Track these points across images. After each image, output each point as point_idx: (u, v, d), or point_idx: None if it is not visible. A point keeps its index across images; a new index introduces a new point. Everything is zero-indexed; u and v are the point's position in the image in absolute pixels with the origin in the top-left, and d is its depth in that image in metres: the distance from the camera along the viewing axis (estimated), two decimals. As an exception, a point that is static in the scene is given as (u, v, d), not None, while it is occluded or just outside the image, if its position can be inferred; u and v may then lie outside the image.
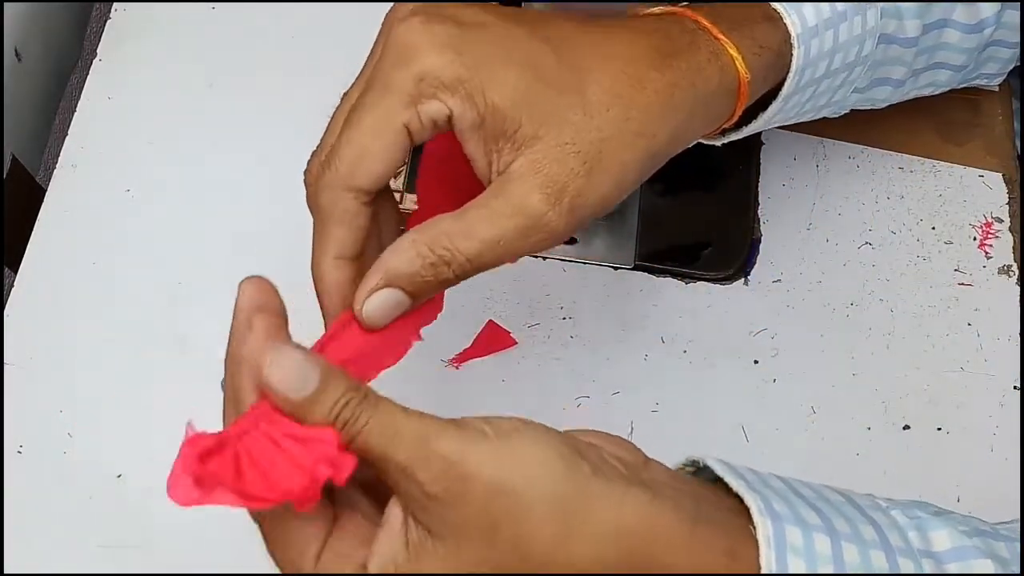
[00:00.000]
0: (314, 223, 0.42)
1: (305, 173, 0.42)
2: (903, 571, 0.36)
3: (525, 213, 0.39)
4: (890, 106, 0.58)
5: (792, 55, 0.46)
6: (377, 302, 0.40)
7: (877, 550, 0.37)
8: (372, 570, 0.35)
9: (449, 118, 0.40)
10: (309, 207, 0.42)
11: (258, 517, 0.36)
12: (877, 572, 0.36)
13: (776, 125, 0.51)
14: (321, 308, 0.42)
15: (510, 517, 0.34)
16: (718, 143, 0.50)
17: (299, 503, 0.34)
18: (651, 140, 0.41)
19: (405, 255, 0.39)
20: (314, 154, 0.42)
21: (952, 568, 0.38)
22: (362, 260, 0.42)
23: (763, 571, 0.35)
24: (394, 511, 0.35)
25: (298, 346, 0.36)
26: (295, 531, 0.36)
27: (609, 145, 0.40)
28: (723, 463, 0.37)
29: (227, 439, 0.35)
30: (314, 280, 0.42)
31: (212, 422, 0.56)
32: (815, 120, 0.53)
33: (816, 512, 0.37)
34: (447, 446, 0.34)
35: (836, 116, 0.56)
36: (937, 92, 0.58)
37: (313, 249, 0.42)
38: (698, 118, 0.44)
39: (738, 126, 0.48)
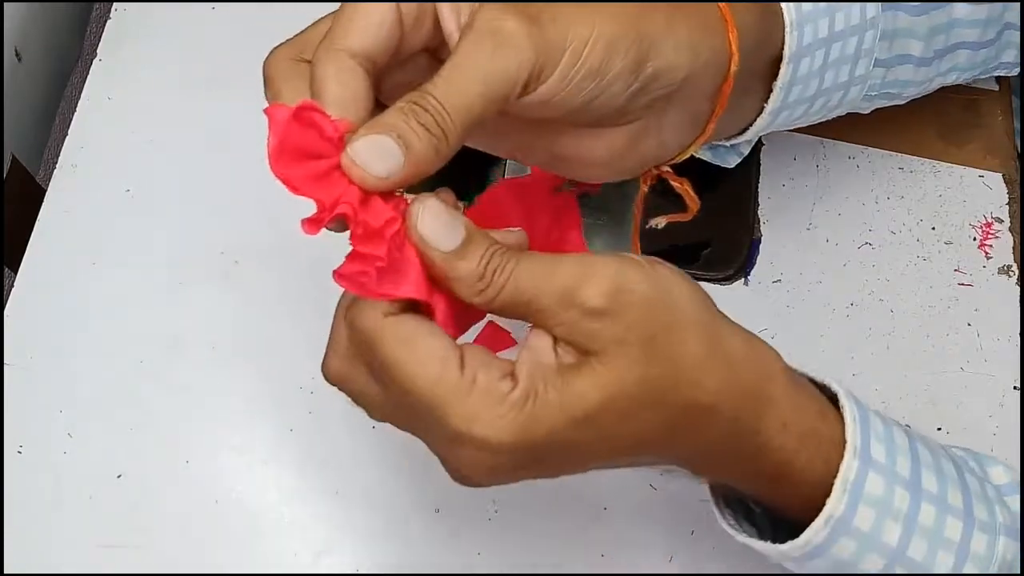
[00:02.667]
0: (311, 84, 0.38)
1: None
2: (971, 486, 0.41)
3: (495, 33, 0.36)
4: (890, 106, 0.58)
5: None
6: (366, 141, 0.35)
7: (947, 461, 0.41)
8: (521, 388, 0.35)
9: None
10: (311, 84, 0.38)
11: (382, 329, 0.36)
12: (948, 474, 0.40)
13: (803, 115, 0.49)
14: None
15: (667, 330, 0.36)
16: (746, 138, 0.49)
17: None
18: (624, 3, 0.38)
19: (394, 112, 0.36)
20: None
21: (1011, 501, 0.42)
22: None
23: (847, 439, 0.38)
24: (540, 338, 0.36)
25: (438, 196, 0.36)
26: (433, 337, 0.35)
27: None
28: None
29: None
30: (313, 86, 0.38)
31: (212, 422, 0.56)
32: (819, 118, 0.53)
33: (892, 424, 0.41)
34: (607, 266, 0.35)
35: (867, 105, 0.54)
36: (962, 79, 0.57)
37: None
38: (682, 17, 0.40)
39: (740, 132, 0.48)
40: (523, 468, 0.36)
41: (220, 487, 0.55)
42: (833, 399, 0.41)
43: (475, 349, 0.36)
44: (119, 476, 0.55)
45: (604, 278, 0.35)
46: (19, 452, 0.55)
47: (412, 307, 0.36)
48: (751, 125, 0.48)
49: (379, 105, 0.38)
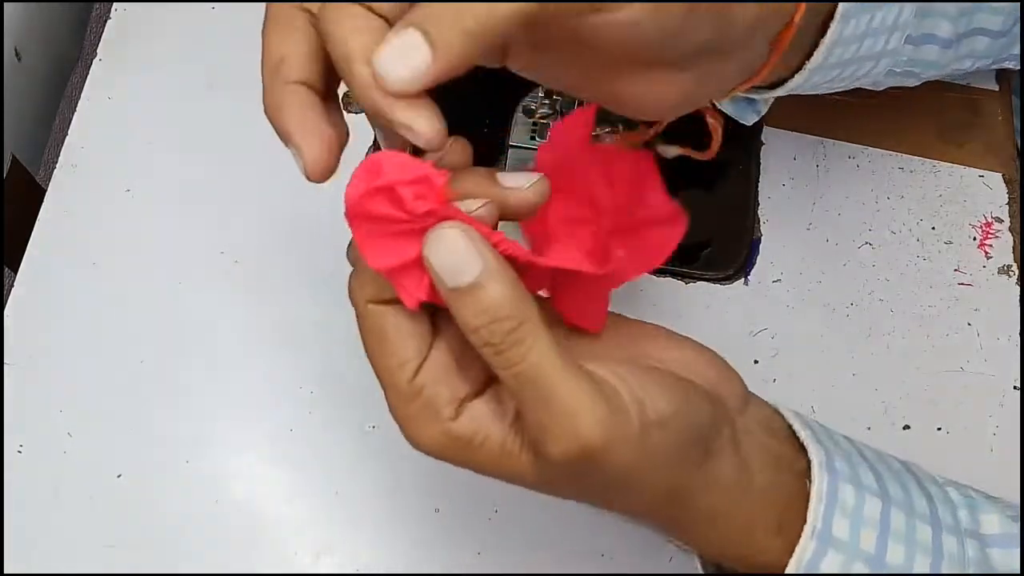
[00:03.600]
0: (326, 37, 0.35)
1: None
2: (945, 547, 0.39)
3: None
4: (892, 104, 0.58)
5: None
6: (390, 44, 0.32)
7: (924, 524, 0.39)
8: (459, 427, 0.36)
9: None
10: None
11: (364, 314, 0.36)
12: (920, 543, 0.38)
13: (831, 81, 0.49)
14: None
15: (619, 489, 0.36)
16: (778, 94, 0.48)
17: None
18: None
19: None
20: None
21: (995, 554, 0.39)
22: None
23: (808, 521, 0.37)
24: (508, 403, 0.36)
25: (467, 228, 0.34)
26: (401, 339, 0.36)
27: None
28: (795, 413, 0.41)
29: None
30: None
31: (212, 422, 0.56)
32: (816, 120, 0.53)
33: (874, 475, 0.39)
34: (592, 431, 0.33)
35: (888, 81, 0.54)
36: (976, 66, 0.57)
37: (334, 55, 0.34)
38: None
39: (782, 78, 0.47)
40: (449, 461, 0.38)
41: (220, 487, 0.55)
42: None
43: (440, 359, 0.36)
44: (119, 476, 0.55)
45: (580, 445, 0.33)
46: (19, 452, 0.55)
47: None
48: (787, 81, 0.48)
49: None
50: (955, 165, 0.64)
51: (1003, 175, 0.64)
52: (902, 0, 0.47)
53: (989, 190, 0.64)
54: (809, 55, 0.46)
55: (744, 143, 0.63)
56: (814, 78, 0.48)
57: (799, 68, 0.47)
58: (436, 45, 0.31)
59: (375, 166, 0.34)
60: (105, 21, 0.66)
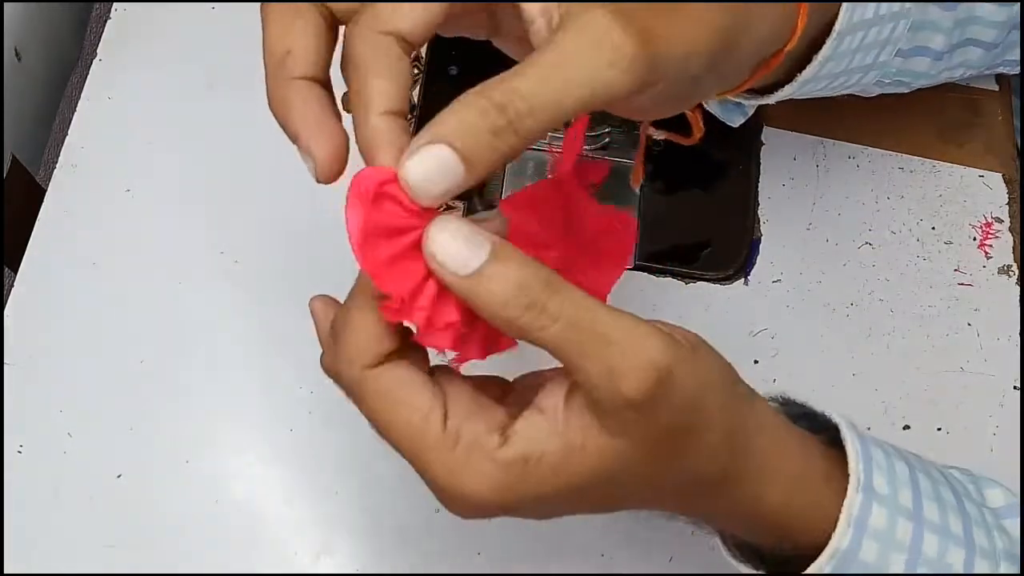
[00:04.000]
0: (350, 80, 0.34)
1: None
2: (968, 509, 0.41)
3: (599, 44, 0.32)
4: (892, 104, 0.58)
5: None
6: (421, 161, 0.32)
7: (946, 488, 0.41)
8: (511, 451, 0.33)
9: None
10: (343, 65, 0.35)
11: (363, 382, 0.34)
12: (947, 501, 0.40)
13: (820, 90, 0.50)
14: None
15: (691, 430, 0.35)
16: (767, 101, 0.49)
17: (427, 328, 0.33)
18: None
19: (463, 111, 0.32)
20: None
21: (1008, 525, 0.41)
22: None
23: (850, 472, 0.38)
24: (551, 398, 0.34)
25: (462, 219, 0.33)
26: (415, 391, 0.34)
27: None
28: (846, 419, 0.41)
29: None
30: (363, 143, 0.34)
31: (212, 422, 0.56)
32: (816, 120, 0.53)
33: (886, 448, 0.41)
34: (660, 355, 0.33)
35: (876, 89, 0.55)
36: (968, 75, 0.58)
37: (354, 109, 0.34)
38: (765, 15, 0.40)
39: (773, 88, 0.48)
40: (511, 512, 0.36)
41: (220, 487, 0.55)
42: (833, 427, 0.41)
43: (460, 396, 0.34)
44: (119, 476, 0.55)
45: (655, 373, 0.32)
46: (19, 452, 0.55)
47: (398, 351, 0.35)
48: (777, 91, 0.48)
49: None
50: (955, 165, 0.64)
51: (1003, 175, 0.64)
52: (895, 19, 0.48)
53: (989, 190, 0.64)
54: (801, 67, 0.46)
55: (744, 143, 0.63)
56: (805, 87, 0.48)
57: (789, 78, 0.47)
58: (468, 171, 0.32)
59: (366, 180, 0.33)
60: (105, 21, 0.66)
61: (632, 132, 0.55)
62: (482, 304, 0.32)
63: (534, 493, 0.34)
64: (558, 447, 0.33)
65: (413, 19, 0.34)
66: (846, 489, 0.38)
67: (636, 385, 0.32)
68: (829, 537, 0.38)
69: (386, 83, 0.34)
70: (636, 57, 0.33)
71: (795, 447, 0.39)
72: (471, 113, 0.31)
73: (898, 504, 0.39)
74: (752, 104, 0.51)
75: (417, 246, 0.33)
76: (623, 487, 0.35)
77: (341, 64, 0.35)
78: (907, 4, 0.47)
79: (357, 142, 0.34)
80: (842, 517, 0.38)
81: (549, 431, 0.34)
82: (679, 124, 0.50)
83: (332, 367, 0.35)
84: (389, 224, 0.33)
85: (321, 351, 0.37)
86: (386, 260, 0.33)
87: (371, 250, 0.33)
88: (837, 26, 0.45)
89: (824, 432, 0.41)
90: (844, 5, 0.44)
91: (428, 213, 0.33)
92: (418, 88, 0.63)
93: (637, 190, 0.56)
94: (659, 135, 0.47)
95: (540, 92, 0.32)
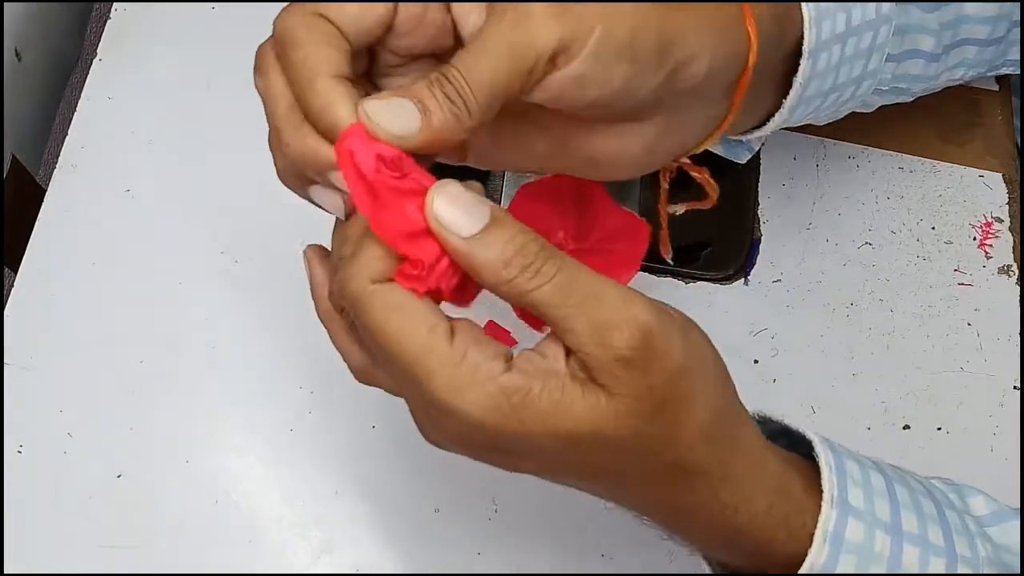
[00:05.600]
0: (288, 54, 0.36)
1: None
2: (949, 518, 0.40)
3: (520, 9, 0.35)
4: (892, 104, 0.58)
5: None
6: (383, 102, 0.34)
7: (927, 497, 0.41)
8: (513, 378, 0.34)
9: None
10: (277, 46, 0.36)
11: (370, 296, 0.34)
12: (928, 514, 0.40)
13: (815, 111, 0.49)
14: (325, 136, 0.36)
15: (682, 399, 0.35)
16: (763, 133, 0.49)
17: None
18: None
19: (417, 83, 0.35)
20: None
21: (993, 532, 0.41)
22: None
23: (823, 488, 0.38)
24: (554, 347, 0.35)
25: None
26: (423, 307, 0.34)
27: None
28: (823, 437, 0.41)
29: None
30: (316, 105, 0.35)
31: (212, 422, 0.56)
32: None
33: (861, 461, 0.41)
34: (648, 316, 0.34)
35: (877, 100, 0.54)
36: (968, 75, 0.57)
37: (298, 78, 0.35)
38: (704, 13, 0.40)
39: (757, 126, 0.48)
40: (491, 451, 0.36)
41: (220, 487, 0.55)
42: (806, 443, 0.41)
43: (466, 325, 0.35)
44: (119, 476, 0.55)
45: (643, 330, 0.34)
46: (19, 452, 0.55)
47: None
48: (768, 121, 0.48)
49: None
50: (955, 165, 0.64)
51: (1003, 175, 0.64)
52: (874, 27, 0.47)
53: (989, 190, 0.64)
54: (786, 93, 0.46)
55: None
56: (796, 112, 0.48)
57: (778, 106, 0.47)
58: (425, 122, 0.34)
59: (356, 138, 0.34)
60: (105, 21, 0.66)
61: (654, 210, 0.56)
62: (479, 265, 0.34)
63: (525, 430, 0.34)
64: (557, 386, 0.34)
65: (347, 13, 0.36)
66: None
67: (624, 340, 0.33)
68: (806, 553, 0.38)
69: (329, 50, 0.35)
70: (547, 11, 0.35)
71: (777, 461, 0.39)
72: (422, 83, 0.34)
73: (875, 517, 0.38)
74: (750, 139, 0.51)
75: (415, 196, 0.34)
76: (607, 449, 0.35)
77: (275, 46, 0.36)
78: (883, 10, 0.47)
79: (304, 109, 0.35)
80: (817, 533, 0.37)
81: (550, 371, 0.34)
82: (694, 191, 0.50)
83: (340, 278, 0.36)
84: (398, 187, 0.34)
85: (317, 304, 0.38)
86: (404, 233, 0.34)
87: (386, 221, 0.34)
88: (806, 45, 0.44)
89: (801, 446, 0.41)
90: (807, 23, 0.44)
91: (427, 178, 0.34)
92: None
93: (669, 259, 0.57)
94: (679, 209, 0.48)
95: (471, 66, 0.34)
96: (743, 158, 0.54)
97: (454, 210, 0.34)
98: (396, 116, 0.34)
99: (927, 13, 0.52)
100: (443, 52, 0.39)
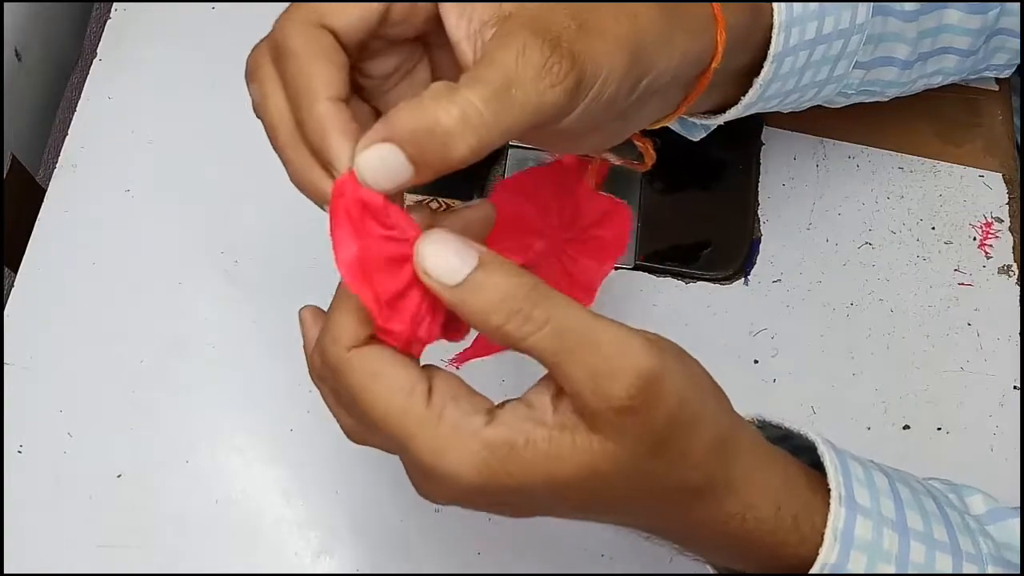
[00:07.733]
0: (286, 69, 0.36)
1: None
2: (951, 516, 0.40)
3: (525, 61, 0.33)
4: (892, 104, 0.58)
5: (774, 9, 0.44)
6: (375, 156, 0.33)
7: (927, 496, 0.41)
8: (497, 433, 0.33)
9: None
10: (275, 55, 0.36)
11: (346, 363, 0.34)
12: (930, 511, 0.40)
13: (775, 106, 0.50)
14: (325, 157, 0.36)
15: (683, 429, 0.34)
16: (717, 122, 0.49)
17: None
18: (635, 20, 0.37)
19: (419, 111, 0.33)
20: None
21: (992, 530, 0.41)
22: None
23: (831, 488, 0.38)
24: (540, 395, 0.34)
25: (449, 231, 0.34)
26: (399, 369, 0.34)
27: (595, 13, 0.36)
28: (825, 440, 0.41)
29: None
30: (310, 130, 0.35)
31: (212, 422, 0.56)
32: (816, 120, 0.53)
33: (864, 463, 0.41)
34: (646, 360, 0.33)
35: (842, 100, 0.54)
36: (947, 81, 0.57)
37: (295, 96, 0.35)
38: (679, 27, 0.40)
39: (721, 109, 0.48)
40: (491, 505, 0.36)
41: (220, 487, 0.55)
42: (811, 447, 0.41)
43: (446, 380, 0.35)
44: (119, 476, 0.55)
45: (642, 376, 0.33)
46: (19, 452, 0.55)
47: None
48: (724, 112, 0.48)
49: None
50: (955, 165, 0.64)
51: (1003, 175, 0.64)
52: (845, 36, 0.47)
53: (989, 190, 0.64)
54: (745, 89, 0.46)
55: (744, 143, 0.63)
56: (753, 108, 0.48)
57: (737, 99, 0.47)
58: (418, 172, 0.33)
59: (347, 185, 0.33)
60: (105, 21, 0.66)
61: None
62: (469, 312, 0.33)
63: (517, 482, 0.33)
64: (544, 437, 0.33)
65: (348, 16, 0.36)
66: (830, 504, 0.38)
67: (623, 390, 0.33)
68: (816, 554, 0.38)
69: (328, 69, 0.35)
70: (570, 75, 0.34)
71: (780, 463, 0.39)
72: (425, 117, 0.32)
73: (881, 515, 0.39)
74: (705, 123, 0.51)
75: (414, 278, 0.34)
76: (609, 488, 0.35)
77: (271, 51, 0.36)
78: (859, 19, 0.47)
79: (302, 129, 0.35)
80: (827, 531, 0.38)
81: (536, 421, 0.34)
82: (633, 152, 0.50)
83: (321, 345, 0.35)
84: (381, 253, 0.33)
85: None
86: (387, 298, 0.33)
87: (368, 287, 0.33)
88: (772, 49, 0.44)
89: (802, 454, 0.41)
90: (775, 28, 0.44)
91: (416, 231, 0.34)
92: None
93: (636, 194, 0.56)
94: (615, 160, 0.47)
95: (490, 110, 0.32)
96: (696, 136, 0.53)
97: (441, 259, 0.33)
98: (386, 175, 0.33)
99: (906, 23, 0.51)
100: (427, 36, 0.39)
